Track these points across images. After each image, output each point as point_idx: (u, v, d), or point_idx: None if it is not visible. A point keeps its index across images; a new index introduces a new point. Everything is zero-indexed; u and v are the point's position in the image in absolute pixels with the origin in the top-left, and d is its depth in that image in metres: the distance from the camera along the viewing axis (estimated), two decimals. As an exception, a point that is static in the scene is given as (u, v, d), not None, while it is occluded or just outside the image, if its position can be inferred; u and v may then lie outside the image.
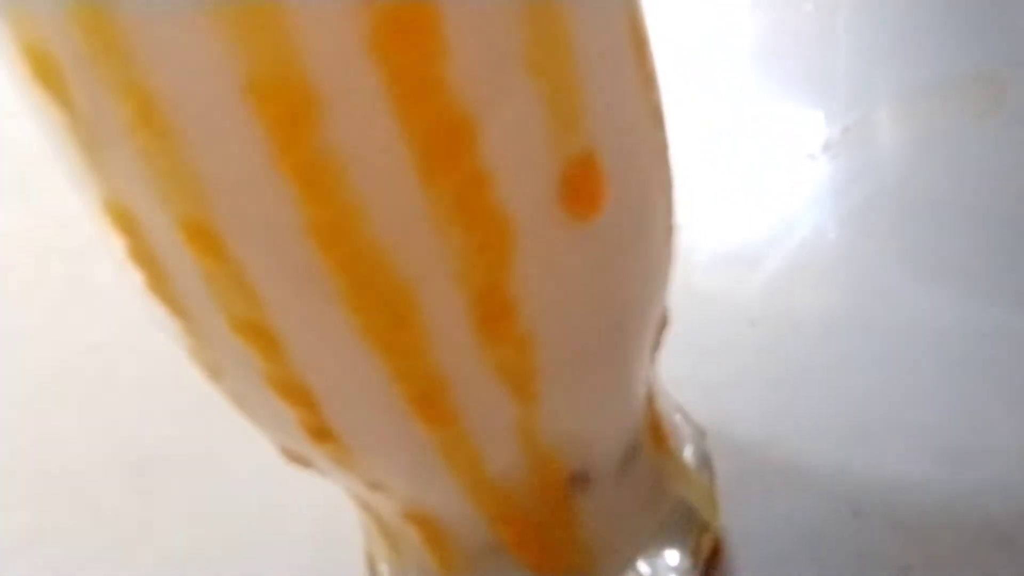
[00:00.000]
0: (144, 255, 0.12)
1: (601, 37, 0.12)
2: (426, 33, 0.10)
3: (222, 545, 0.22)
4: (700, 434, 0.20)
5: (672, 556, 0.18)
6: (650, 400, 0.17)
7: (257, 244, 0.11)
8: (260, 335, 0.12)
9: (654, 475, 0.17)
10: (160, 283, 0.12)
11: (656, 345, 0.16)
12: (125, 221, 0.11)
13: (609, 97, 0.12)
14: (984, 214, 0.24)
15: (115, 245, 0.12)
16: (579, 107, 0.11)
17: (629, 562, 0.17)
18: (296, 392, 0.13)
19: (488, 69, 0.10)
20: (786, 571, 0.18)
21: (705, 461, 0.19)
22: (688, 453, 0.19)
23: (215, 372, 0.14)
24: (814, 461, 0.20)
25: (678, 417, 0.19)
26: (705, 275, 0.25)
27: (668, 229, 0.14)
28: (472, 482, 0.14)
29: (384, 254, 0.11)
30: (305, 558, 0.21)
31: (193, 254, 0.11)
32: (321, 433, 0.13)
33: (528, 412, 0.13)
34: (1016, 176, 0.25)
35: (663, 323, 0.16)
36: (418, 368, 0.12)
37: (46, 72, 0.10)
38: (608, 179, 0.12)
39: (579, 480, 0.16)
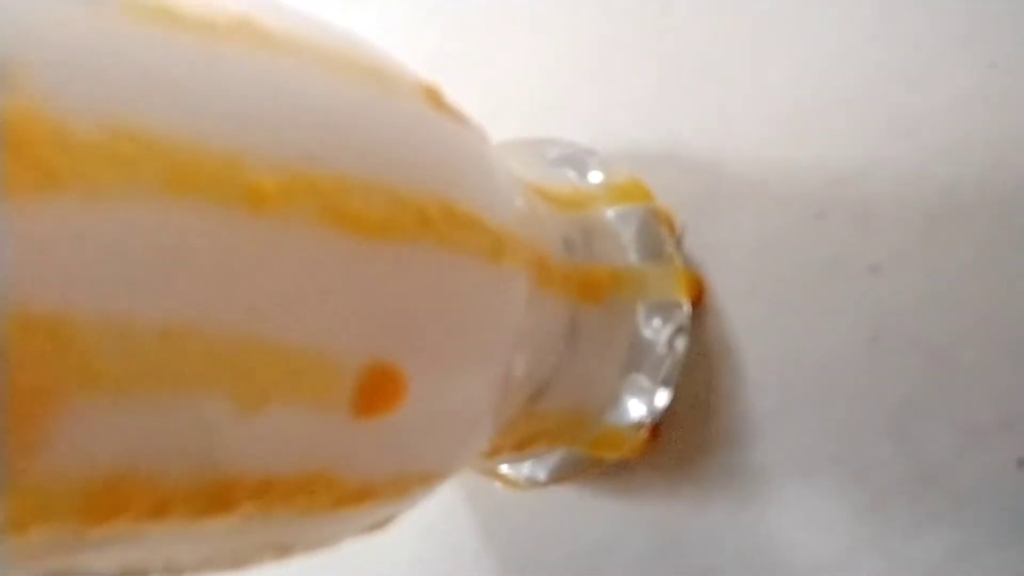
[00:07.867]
0: None
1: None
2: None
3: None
4: (646, 208, 0.19)
5: (657, 322, 0.19)
6: (563, 288, 0.16)
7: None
8: None
9: (603, 316, 0.17)
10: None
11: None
12: None
13: (360, 306, 0.10)
14: None
15: None
16: (327, 362, 0.10)
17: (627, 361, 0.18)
18: None
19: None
20: (763, 288, 0.19)
21: (654, 233, 0.19)
22: (628, 238, 0.18)
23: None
24: (768, 171, 0.18)
25: (611, 213, 0.18)
26: None
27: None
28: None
29: None
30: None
31: None
32: None
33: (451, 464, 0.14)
34: None
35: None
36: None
37: None
38: (400, 370, 0.11)
39: (536, 393, 0.17)
